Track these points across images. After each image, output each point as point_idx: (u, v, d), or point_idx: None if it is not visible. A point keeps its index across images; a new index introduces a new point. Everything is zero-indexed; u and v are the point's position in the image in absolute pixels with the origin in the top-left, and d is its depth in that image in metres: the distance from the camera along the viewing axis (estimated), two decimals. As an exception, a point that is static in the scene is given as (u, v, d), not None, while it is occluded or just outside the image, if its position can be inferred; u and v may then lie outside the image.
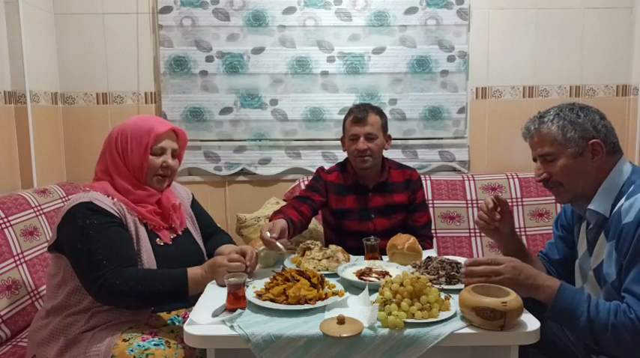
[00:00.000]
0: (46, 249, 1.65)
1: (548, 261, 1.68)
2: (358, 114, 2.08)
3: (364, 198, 2.16)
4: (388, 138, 2.17)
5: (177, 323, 1.60)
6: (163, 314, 1.62)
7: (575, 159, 1.40)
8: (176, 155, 1.69)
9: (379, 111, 2.13)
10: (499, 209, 1.59)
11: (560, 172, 1.43)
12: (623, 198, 1.35)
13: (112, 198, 1.56)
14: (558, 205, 2.63)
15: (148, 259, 1.54)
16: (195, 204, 1.88)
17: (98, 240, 1.45)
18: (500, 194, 2.63)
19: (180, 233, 1.69)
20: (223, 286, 1.41)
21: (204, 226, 1.86)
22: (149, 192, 1.62)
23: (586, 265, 1.48)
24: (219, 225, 2.01)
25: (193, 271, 1.52)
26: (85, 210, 1.48)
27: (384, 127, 2.14)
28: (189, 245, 1.72)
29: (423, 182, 2.48)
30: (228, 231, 2.13)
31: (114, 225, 1.50)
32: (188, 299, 1.51)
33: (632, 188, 1.35)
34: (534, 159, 1.51)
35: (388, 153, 2.26)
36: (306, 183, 2.67)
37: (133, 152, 1.59)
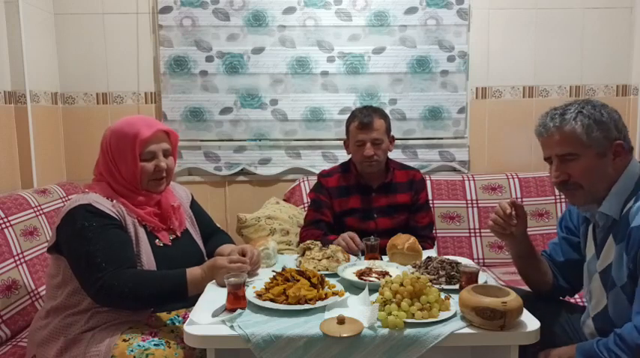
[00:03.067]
0: (45, 250, 1.65)
1: (552, 263, 1.64)
2: (363, 119, 2.06)
3: (367, 198, 2.16)
4: (392, 139, 2.17)
5: (177, 323, 1.60)
6: (163, 315, 1.61)
7: (598, 160, 1.33)
8: (169, 154, 1.65)
9: (383, 114, 2.13)
10: (514, 213, 1.54)
11: (581, 173, 1.35)
12: (632, 200, 1.32)
13: (112, 200, 1.56)
14: (558, 205, 2.63)
15: (148, 260, 1.54)
16: (194, 205, 1.87)
17: (97, 242, 1.44)
18: (500, 194, 2.63)
19: (179, 234, 1.69)
20: (223, 286, 1.41)
21: (204, 226, 1.85)
22: (148, 196, 1.61)
23: (592, 267, 1.46)
24: (219, 225, 2.00)
25: (193, 272, 1.51)
26: (84, 213, 1.48)
27: (388, 130, 2.13)
28: (188, 246, 1.71)
29: (423, 182, 2.47)
30: (228, 231, 2.13)
31: (113, 226, 1.50)
32: (188, 299, 1.51)
33: None
34: (546, 159, 1.43)
35: (388, 154, 2.25)
36: (305, 183, 2.67)
37: (122, 162, 1.56)
